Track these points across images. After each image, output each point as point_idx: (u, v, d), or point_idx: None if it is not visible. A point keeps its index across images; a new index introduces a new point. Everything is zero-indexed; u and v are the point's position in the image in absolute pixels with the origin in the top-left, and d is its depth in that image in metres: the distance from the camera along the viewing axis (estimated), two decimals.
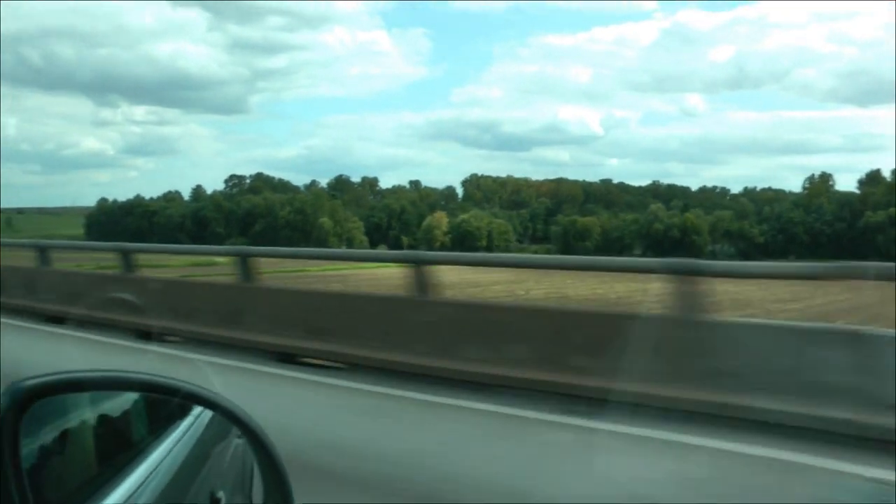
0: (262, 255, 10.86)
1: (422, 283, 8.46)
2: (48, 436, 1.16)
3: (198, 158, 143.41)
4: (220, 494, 1.57)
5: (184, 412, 1.56)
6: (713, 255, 73.76)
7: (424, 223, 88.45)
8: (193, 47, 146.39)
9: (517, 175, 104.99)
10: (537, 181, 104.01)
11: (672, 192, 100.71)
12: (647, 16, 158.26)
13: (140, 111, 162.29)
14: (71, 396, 1.23)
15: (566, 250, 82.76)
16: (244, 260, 10.03)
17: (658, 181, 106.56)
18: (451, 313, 8.20)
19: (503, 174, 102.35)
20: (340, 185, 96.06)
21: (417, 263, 8.53)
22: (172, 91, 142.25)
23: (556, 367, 6.47)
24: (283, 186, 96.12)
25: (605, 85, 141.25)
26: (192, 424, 1.57)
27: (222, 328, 9.48)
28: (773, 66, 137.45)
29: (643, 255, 74.42)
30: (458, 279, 22.48)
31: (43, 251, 12.37)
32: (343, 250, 59.83)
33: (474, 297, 17.48)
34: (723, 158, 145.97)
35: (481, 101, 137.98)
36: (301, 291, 10.91)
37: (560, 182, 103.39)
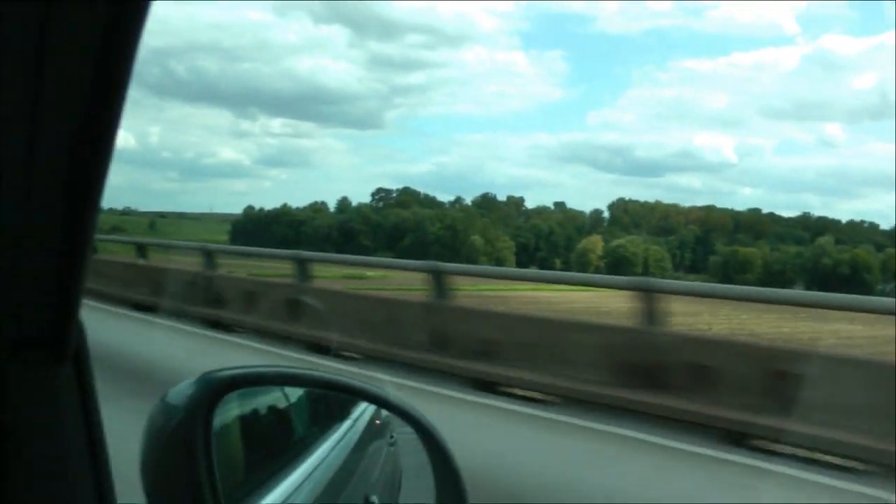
0: (455, 273, 10.13)
1: (650, 313, 7.45)
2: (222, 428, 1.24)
3: (331, 171, 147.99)
4: (374, 499, 1.64)
5: (343, 414, 1.60)
6: (883, 296, 65.82)
7: (579, 246, 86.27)
8: (333, 63, 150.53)
9: (665, 201, 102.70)
10: (686, 208, 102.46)
11: (823, 225, 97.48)
12: (790, 41, 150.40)
13: (277, 123, 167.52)
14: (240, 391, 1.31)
15: (726, 282, 79.05)
16: (438, 277, 9.32)
17: (808, 213, 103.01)
18: (677, 348, 7.22)
19: (640, 199, 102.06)
20: (486, 203, 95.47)
21: (647, 291, 7.56)
22: (310, 105, 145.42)
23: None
24: (429, 202, 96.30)
25: (741, 111, 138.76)
26: (350, 427, 1.60)
27: (415, 350, 8.85)
28: None
29: (808, 290, 69.98)
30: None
31: (209, 255, 12.19)
32: (555, 272, 56.03)
33: (691, 330, 16.03)
34: (861, 192, 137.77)
35: (615, 124, 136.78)
36: (505, 314, 10.22)
37: (709, 210, 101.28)
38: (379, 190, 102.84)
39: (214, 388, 1.20)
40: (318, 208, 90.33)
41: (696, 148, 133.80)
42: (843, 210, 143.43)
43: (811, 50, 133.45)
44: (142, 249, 16.38)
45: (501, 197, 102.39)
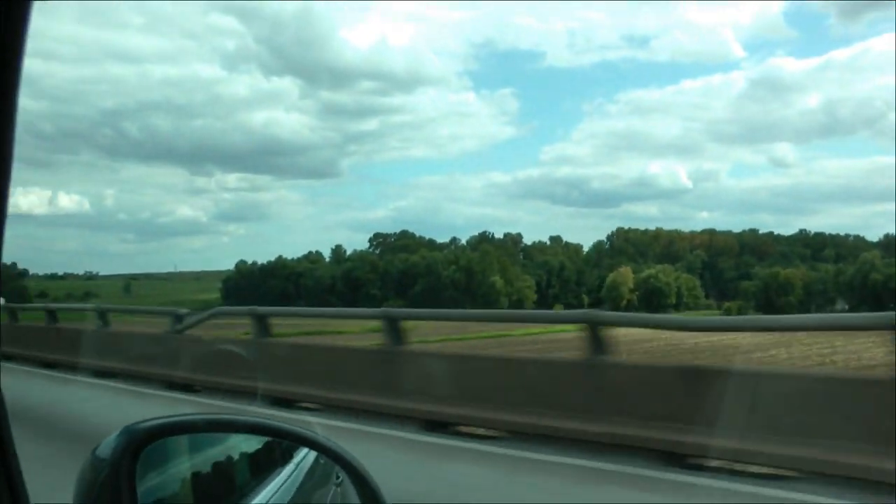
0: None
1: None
2: (153, 480, 1.28)
3: (289, 222, 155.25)
4: None
5: (285, 459, 1.63)
6: None
7: (608, 279, 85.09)
8: (285, 115, 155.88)
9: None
10: (690, 233, 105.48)
11: (821, 241, 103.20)
12: (736, 65, 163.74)
13: (233, 178, 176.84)
14: (172, 441, 1.35)
15: (766, 306, 79.83)
16: (597, 328, 9.12)
17: (805, 230, 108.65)
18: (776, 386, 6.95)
19: (597, 231, 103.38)
20: (484, 241, 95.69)
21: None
22: (265, 158, 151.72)
23: None
24: (426, 244, 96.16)
25: (693, 138, 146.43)
26: (293, 471, 1.64)
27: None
28: (865, 112, 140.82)
29: (854, 309, 70.84)
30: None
31: (261, 319, 12.04)
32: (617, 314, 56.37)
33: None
34: (815, 208, 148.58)
35: (570, 158, 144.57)
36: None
37: (712, 234, 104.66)
38: (376, 235, 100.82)
39: (138, 438, 1.26)
40: (314, 258, 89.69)
41: (651, 176, 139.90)
42: (797, 226, 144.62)
43: (758, 73, 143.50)
44: (104, 316, 16.54)
45: (504, 235, 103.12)
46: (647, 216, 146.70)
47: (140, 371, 12.97)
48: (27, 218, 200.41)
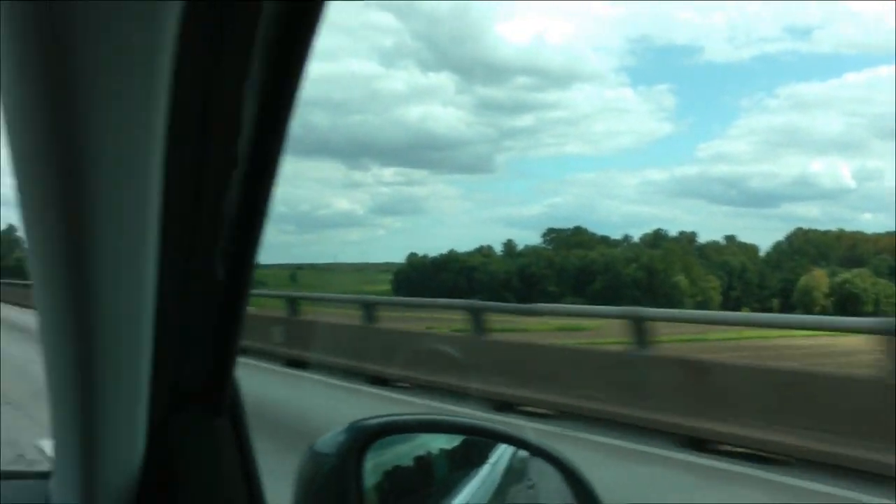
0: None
1: None
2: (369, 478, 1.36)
3: (444, 217, 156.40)
4: None
5: (482, 458, 1.69)
6: None
7: (800, 283, 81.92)
8: (442, 109, 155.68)
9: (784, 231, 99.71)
10: (872, 235, 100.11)
11: None
12: None
13: (389, 172, 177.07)
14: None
15: None
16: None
17: None
18: None
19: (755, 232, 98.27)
20: (658, 239, 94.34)
21: None
22: (420, 152, 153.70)
23: None
24: (604, 241, 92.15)
25: (857, 134, 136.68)
26: (489, 472, 1.69)
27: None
28: None
29: None
30: None
31: (477, 314, 11.59)
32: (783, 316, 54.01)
33: None
34: None
35: (727, 155, 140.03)
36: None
37: None
38: (549, 230, 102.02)
39: (364, 436, 1.35)
40: (486, 253, 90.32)
41: (812, 174, 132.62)
42: None
43: None
44: (294, 303, 16.77)
45: (678, 233, 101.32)
46: (807, 217, 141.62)
47: (335, 362, 12.75)
48: None
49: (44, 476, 1.55)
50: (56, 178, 0.78)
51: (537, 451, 1.64)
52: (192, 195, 0.93)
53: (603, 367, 9.60)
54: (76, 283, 0.86)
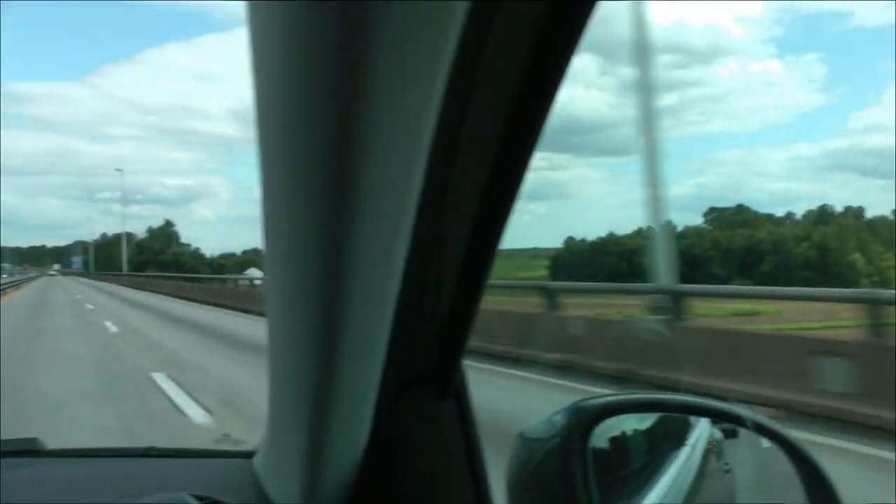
0: None
1: None
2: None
3: (588, 201, 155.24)
4: None
5: (679, 440, 1.66)
6: None
7: None
8: (584, 92, 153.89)
9: None
10: None
11: None
12: None
13: (535, 158, 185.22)
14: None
15: None
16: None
17: None
18: None
19: None
20: (823, 216, 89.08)
21: None
22: (564, 136, 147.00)
23: None
24: (769, 219, 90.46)
25: None
26: (689, 454, 1.67)
27: None
28: None
29: None
30: None
31: (550, 294, 11.36)
32: None
33: None
34: None
35: (882, 125, 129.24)
36: None
37: None
38: (711, 210, 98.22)
39: (589, 416, 1.35)
40: (645, 235, 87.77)
41: None
42: None
43: None
44: None
45: (844, 208, 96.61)
46: None
47: (512, 352, 12.48)
48: None
49: (247, 455, 1.63)
50: (322, 169, 0.79)
51: (761, 430, 1.54)
52: (441, 186, 0.96)
53: (844, 356, 8.68)
54: (328, 271, 0.88)
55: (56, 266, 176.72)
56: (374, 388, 1.10)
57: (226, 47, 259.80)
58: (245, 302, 29.90)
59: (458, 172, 0.98)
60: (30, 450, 1.85)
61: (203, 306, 34.88)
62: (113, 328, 23.49)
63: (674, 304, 10.75)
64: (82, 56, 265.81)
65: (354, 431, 1.14)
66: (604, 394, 1.46)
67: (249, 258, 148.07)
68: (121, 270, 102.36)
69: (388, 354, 1.06)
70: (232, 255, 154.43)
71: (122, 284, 70.11)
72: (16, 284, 70.90)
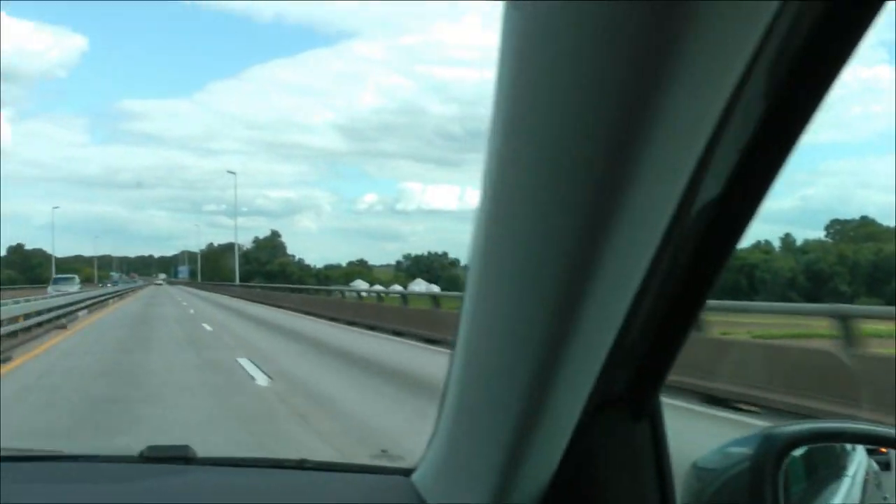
0: None
1: None
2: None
3: None
4: None
5: (838, 470, 1.59)
6: None
7: None
8: None
9: None
10: None
11: None
12: None
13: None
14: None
15: None
16: None
17: None
18: None
19: None
20: None
21: None
22: None
23: None
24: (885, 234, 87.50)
25: None
26: (850, 486, 1.58)
27: None
28: None
29: None
30: None
31: (846, 321, 10.11)
32: None
33: None
34: None
35: None
36: None
37: None
38: (833, 222, 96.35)
39: (782, 444, 1.29)
40: (765, 249, 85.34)
41: None
42: None
43: None
44: None
45: None
46: None
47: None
48: (440, 213, 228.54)
49: (405, 472, 1.60)
50: (584, 183, 0.79)
51: None
52: (687, 203, 0.89)
53: None
54: (567, 290, 0.88)
55: (162, 276, 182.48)
56: (579, 406, 1.07)
57: (329, 62, 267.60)
58: (387, 318, 26.52)
59: (699, 190, 0.88)
60: (181, 457, 1.81)
61: (355, 330, 26.97)
62: (257, 375, 14.30)
63: (845, 327, 9.60)
64: (190, 73, 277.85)
65: (550, 449, 1.12)
66: (788, 422, 1.40)
67: (355, 269, 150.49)
68: (228, 280, 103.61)
69: (600, 374, 1.04)
70: (337, 267, 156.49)
71: (234, 296, 64.56)
72: (119, 295, 64.55)
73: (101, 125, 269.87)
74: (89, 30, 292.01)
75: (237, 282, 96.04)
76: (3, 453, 1.91)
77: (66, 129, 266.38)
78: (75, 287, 60.89)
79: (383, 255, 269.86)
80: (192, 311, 40.38)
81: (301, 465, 1.86)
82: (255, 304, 49.05)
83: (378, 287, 72.83)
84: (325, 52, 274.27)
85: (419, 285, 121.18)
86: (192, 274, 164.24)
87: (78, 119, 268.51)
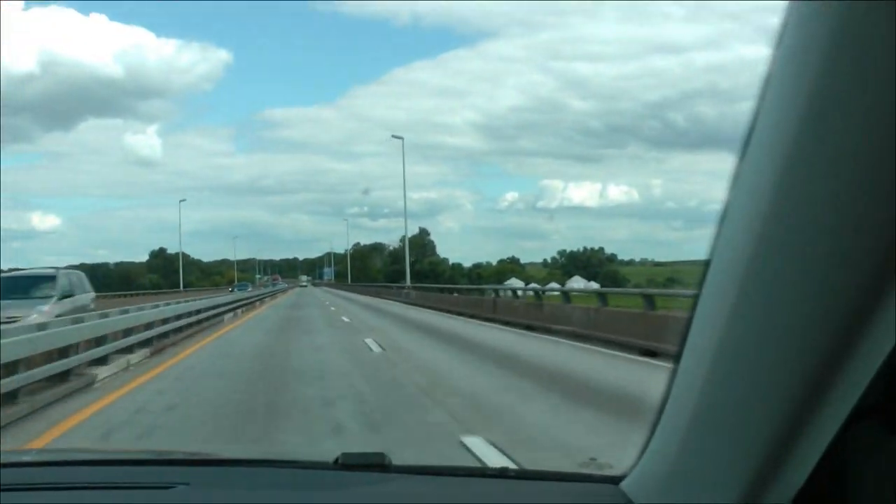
0: None
1: None
2: None
3: None
4: None
5: None
6: None
7: None
8: None
9: None
10: None
11: None
12: None
13: None
14: None
15: None
16: None
17: None
18: None
19: None
20: None
21: None
22: None
23: None
24: None
25: None
26: None
27: None
28: None
29: None
30: None
31: None
32: None
33: None
34: None
35: None
36: None
37: None
38: None
39: None
40: None
41: None
42: None
43: None
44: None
45: None
46: None
47: None
48: (581, 210, 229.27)
49: (613, 480, 1.60)
50: (891, 186, 0.78)
51: None
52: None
53: None
54: (850, 299, 0.87)
55: (305, 277, 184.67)
56: (842, 418, 1.03)
57: (468, 62, 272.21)
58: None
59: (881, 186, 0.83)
60: (378, 464, 1.80)
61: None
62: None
63: None
64: (332, 80, 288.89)
65: (803, 462, 1.09)
66: None
67: (506, 267, 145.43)
68: (374, 281, 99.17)
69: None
70: (485, 266, 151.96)
71: (389, 298, 56.56)
72: (248, 303, 47.23)
73: (245, 134, 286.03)
74: (233, 44, 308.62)
75: (385, 282, 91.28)
76: (188, 457, 2.15)
77: (212, 139, 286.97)
78: (246, 293, 61.17)
79: (525, 252, 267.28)
80: (345, 318, 33.26)
81: (502, 474, 1.86)
82: (415, 308, 42.39)
83: (553, 285, 68.34)
84: (464, 52, 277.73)
85: (578, 282, 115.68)
86: (336, 275, 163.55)
87: (223, 129, 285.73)
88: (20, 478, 1.84)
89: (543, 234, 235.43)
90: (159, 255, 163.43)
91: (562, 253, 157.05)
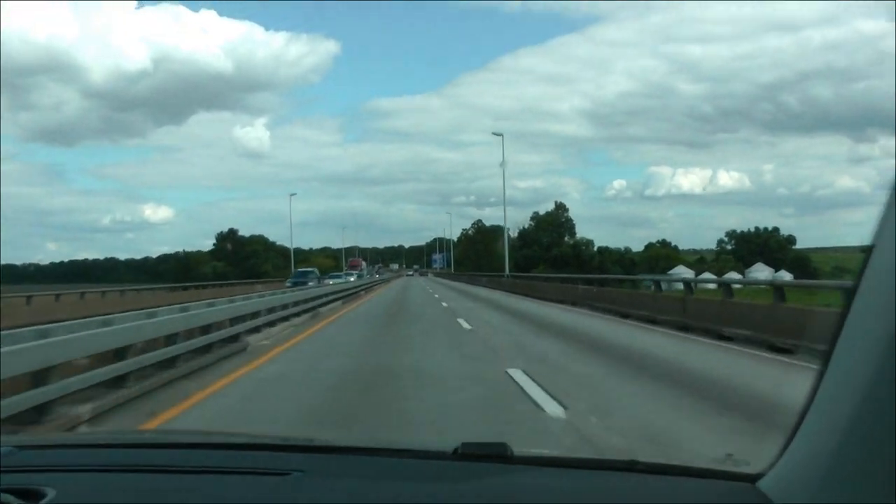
0: None
1: None
2: None
3: None
4: None
5: None
6: None
7: None
8: None
9: None
10: None
11: None
12: None
13: None
14: None
15: None
16: None
17: None
18: None
19: None
20: None
21: None
22: None
23: None
24: None
25: None
26: None
27: None
28: None
29: None
30: None
31: None
32: None
33: None
34: None
35: None
36: None
37: None
38: None
39: None
40: None
41: None
42: None
43: None
44: None
45: None
46: None
47: None
48: (688, 197, 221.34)
49: (749, 479, 1.60)
50: None
51: None
52: None
53: None
54: None
55: (414, 266, 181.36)
56: None
57: (576, 48, 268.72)
58: None
59: None
60: (499, 455, 1.83)
61: None
62: None
63: None
64: (439, 69, 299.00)
65: None
66: None
67: (659, 252, 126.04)
68: (497, 271, 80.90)
69: None
70: (621, 252, 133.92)
71: (537, 296, 40.12)
72: (324, 301, 34.87)
73: (352, 125, 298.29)
74: (341, 35, 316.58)
75: (515, 271, 73.65)
76: (304, 443, 2.24)
77: (319, 130, 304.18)
78: (312, 282, 57.11)
79: (633, 241, 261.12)
80: (494, 343, 18.36)
81: (631, 467, 1.80)
82: (573, 312, 28.50)
83: (733, 275, 53.85)
84: (573, 37, 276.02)
85: (761, 272, 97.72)
86: (448, 263, 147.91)
87: (330, 120, 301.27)
88: (133, 459, 1.93)
89: (649, 221, 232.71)
90: (227, 238, 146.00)
91: (731, 234, 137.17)
